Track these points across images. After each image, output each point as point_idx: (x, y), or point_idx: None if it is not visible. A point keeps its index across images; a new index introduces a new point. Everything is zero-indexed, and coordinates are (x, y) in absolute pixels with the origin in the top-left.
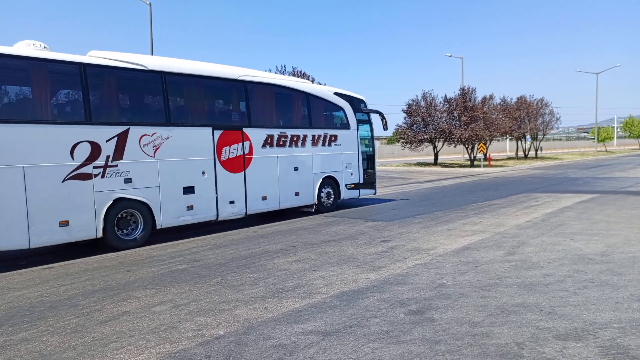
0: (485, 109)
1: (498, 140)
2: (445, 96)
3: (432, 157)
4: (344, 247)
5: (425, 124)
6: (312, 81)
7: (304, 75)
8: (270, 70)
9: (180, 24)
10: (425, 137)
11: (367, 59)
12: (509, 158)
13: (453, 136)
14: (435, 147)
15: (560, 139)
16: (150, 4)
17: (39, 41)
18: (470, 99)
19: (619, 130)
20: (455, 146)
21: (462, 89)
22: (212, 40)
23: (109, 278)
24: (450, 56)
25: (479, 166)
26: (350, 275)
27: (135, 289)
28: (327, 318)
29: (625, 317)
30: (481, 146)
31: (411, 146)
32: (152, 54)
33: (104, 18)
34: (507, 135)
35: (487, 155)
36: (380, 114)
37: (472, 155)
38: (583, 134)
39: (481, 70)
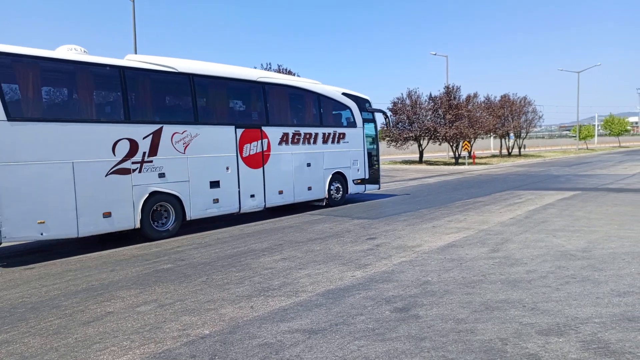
0: (469, 107)
1: (482, 138)
2: (430, 94)
3: (417, 155)
4: (330, 245)
5: (410, 122)
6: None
7: (289, 73)
8: (255, 68)
9: (180, 23)
10: (411, 135)
11: (354, 58)
12: (493, 156)
13: (438, 134)
14: (420, 145)
15: (543, 137)
16: (134, 1)
17: (68, 44)
18: (454, 97)
19: (599, 128)
20: (440, 144)
21: (447, 87)
22: (211, 40)
23: (92, 278)
24: (435, 54)
25: (463, 164)
26: (336, 273)
27: (119, 289)
28: (313, 316)
29: (605, 312)
30: (466, 144)
31: (396, 144)
32: (136, 52)
33: (105, 18)
34: (491, 133)
35: (472, 153)
36: (384, 113)
37: (456, 153)
38: (565, 132)
39: (466, 68)
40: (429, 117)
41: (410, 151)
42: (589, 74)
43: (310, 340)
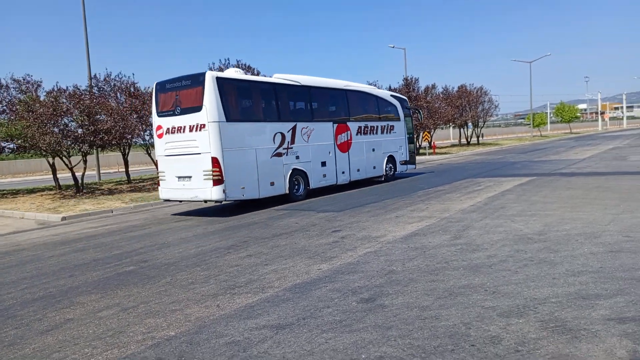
0: (428, 98)
1: (442, 129)
2: (390, 87)
3: None
4: (296, 240)
5: None
6: (258, 73)
7: (249, 68)
8: (213, 64)
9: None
10: None
11: (311, 46)
12: (453, 145)
13: None
14: None
15: (499, 126)
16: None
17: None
18: (413, 89)
19: (551, 115)
20: None
21: (406, 79)
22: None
23: (50, 285)
24: (393, 47)
25: (424, 154)
26: (303, 267)
27: (79, 295)
28: (280, 311)
29: (561, 292)
30: (426, 134)
31: None
32: (88, 52)
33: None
34: (450, 124)
35: (432, 143)
36: (418, 109)
37: (417, 144)
38: (520, 120)
39: (424, 60)
40: None
41: None
42: (541, 64)
43: (278, 336)
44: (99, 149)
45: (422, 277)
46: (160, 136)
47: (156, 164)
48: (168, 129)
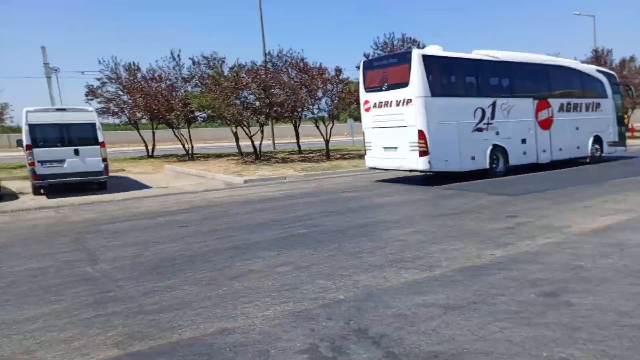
0: (625, 73)
1: None
2: (575, 59)
3: None
4: (465, 221)
5: None
6: (423, 46)
7: (414, 42)
8: (378, 38)
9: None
10: None
11: (486, 19)
12: None
13: None
14: None
15: None
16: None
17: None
18: (605, 62)
19: None
20: None
21: (595, 51)
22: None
23: (236, 238)
24: (579, 14)
25: None
26: (473, 250)
27: (260, 250)
28: (449, 292)
29: None
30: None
31: None
32: (263, 30)
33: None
34: None
35: (630, 125)
36: (628, 85)
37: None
38: None
39: (617, 28)
40: None
41: None
42: None
43: (447, 316)
44: (274, 121)
45: (619, 279)
46: (367, 110)
47: (321, 138)
48: (375, 103)
